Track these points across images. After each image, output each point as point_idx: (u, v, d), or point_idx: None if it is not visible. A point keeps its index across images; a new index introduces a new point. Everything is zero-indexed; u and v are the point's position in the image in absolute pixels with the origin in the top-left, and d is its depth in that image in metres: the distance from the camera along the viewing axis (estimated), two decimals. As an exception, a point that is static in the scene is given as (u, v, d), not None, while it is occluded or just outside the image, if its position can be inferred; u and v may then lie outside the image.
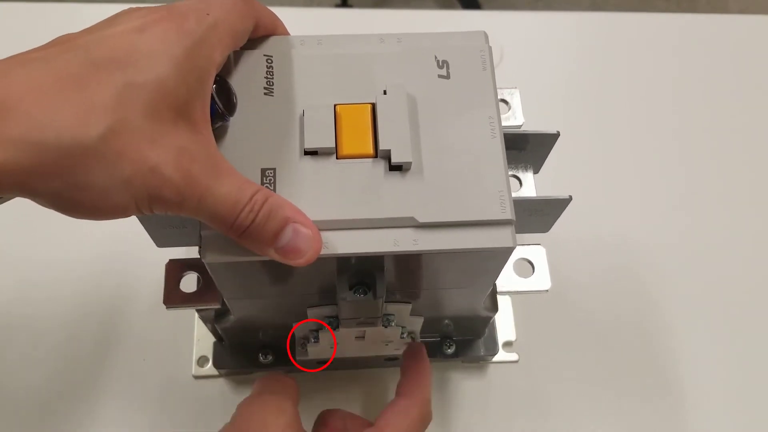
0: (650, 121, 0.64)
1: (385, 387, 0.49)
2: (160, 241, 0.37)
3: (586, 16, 0.80)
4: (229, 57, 0.32)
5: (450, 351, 0.48)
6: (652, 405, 0.50)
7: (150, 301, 0.51)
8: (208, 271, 0.32)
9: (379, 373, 0.49)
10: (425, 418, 0.39)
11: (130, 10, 0.28)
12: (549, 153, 0.40)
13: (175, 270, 0.37)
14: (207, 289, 0.37)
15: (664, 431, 0.49)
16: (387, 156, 0.32)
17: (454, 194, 0.31)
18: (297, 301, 0.37)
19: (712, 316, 0.53)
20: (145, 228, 0.36)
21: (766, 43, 0.71)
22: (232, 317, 0.40)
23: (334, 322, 0.38)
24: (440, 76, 0.34)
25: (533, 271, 0.39)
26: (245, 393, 0.40)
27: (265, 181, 0.31)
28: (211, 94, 0.30)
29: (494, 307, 0.43)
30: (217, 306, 0.37)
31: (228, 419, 0.38)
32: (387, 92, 0.33)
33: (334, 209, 0.31)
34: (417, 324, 0.41)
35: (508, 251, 0.32)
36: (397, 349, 0.44)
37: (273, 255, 0.29)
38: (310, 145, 0.32)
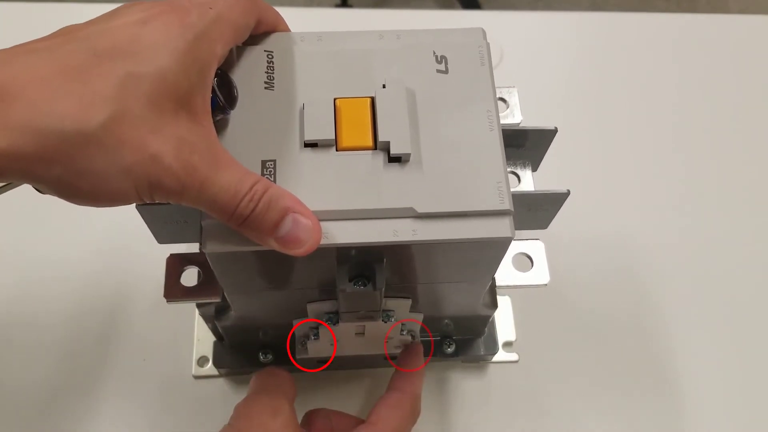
0: (650, 120, 0.64)
1: (385, 387, 0.49)
2: (161, 237, 0.38)
3: (586, 16, 0.80)
4: (231, 51, 0.33)
5: (450, 350, 0.48)
6: (652, 405, 0.50)
7: (150, 300, 0.51)
8: (209, 261, 0.33)
9: (379, 373, 0.49)
10: (415, 413, 0.40)
11: (133, 3, 0.28)
12: (547, 150, 0.40)
13: (176, 264, 0.38)
14: (207, 283, 0.37)
15: (664, 430, 0.49)
16: (386, 148, 0.32)
17: (453, 185, 0.32)
18: (297, 296, 0.37)
19: (711, 314, 0.54)
20: (146, 223, 0.36)
21: (766, 43, 0.71)
22: (232, 313, 0.40)
23: (334, 318, 0.38)
24: (438, 71, 0.34)
25: (532, 266, 0.39)
26: (245, 393, 0.40)
27: (265, 172, 0.31)
28: (213, 87, 0.30)
29: (493, 304, 0.43)
30: (218, 300, 0.37)
31: (227, 419, 0.38)
32: (386, 86, 0.33)
33: (334, 200, 0.31)
34: (417, 321, 0.41)
35: (506, 242, 0.32)
36: (397, 347, 0.44)
37: (273, 245, 0.29)
38: (310, 137, 0.32)
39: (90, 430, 0.47)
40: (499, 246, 0.33)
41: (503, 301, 0.50)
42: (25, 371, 0.49)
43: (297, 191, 0.31)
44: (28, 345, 0.50)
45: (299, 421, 0.40)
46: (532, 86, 0.66)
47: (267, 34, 0.35)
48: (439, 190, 0.31)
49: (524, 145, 0.39)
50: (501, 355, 0.50)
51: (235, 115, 0.32)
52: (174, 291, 0.37)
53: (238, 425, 0.37)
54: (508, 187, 0.32)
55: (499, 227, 0.31)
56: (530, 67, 0.68)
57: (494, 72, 0.35)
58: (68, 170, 0.25)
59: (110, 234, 0.54)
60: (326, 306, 0.38)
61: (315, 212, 0.30)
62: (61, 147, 0.24)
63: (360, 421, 0.40)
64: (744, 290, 0.54)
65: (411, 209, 0.31)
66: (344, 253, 0.32)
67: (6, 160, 0.24)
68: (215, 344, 0.47)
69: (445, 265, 0.35)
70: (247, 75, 0.33)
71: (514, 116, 0.40)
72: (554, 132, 0.38)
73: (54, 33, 0.27)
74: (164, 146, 0.26)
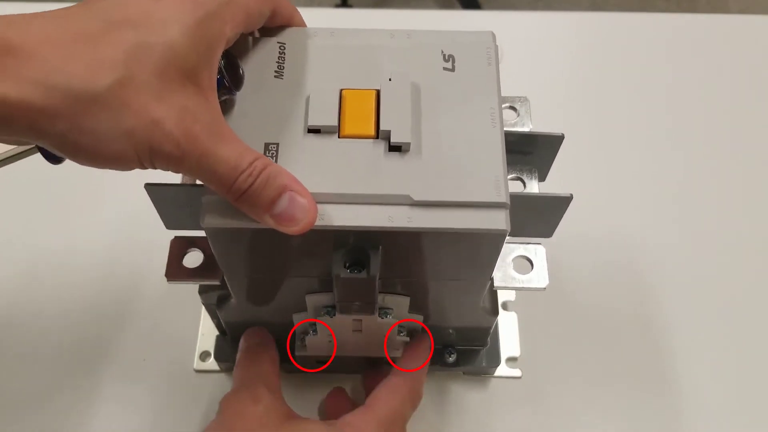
0: (650, 120, 0.64)
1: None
2: (170, 222, 0.38)
3: (585, 16, 0.80)
4: (246, 40, 0.35)
5: (451, 359, 0.47)
6: (662, 422, 0.48)
7: (154, 295, 0.51)
8: (207, 238, 0.33)
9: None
10: (415, 395, 0.41)
11: None
12: (555, 157, 0.40)
13: (180, 246, 0.38)
14: (209, 265, 0.38)
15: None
16: (387, 137, 0.33)
17: (451, 176, 0.32)
18: (295, 286, 0.38)
19: (723, 320, 0.53)
20: (154, 204, 0.36)
21: (766, 43, 0.71)
22: (233, 302, 0.40)
23: (332, 312, 0.38)
24: (445, 69, 0.35)
25: (532, 269, 0.39)
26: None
27: (267, 154, 0.32)
28: (219, 67, 0.31)
29: (494, 311, 0.43)
30: (217, 282, 0.38)
31: None
32: (392, 79, 0.34)
33: (333, 183, 0.32)
34: (417, 321, 0.41)
35: (500, 235, 0.32)
36: (397, 350, 0.44)
37: (268, 221, 0.30)
38: (313, 122, 0.33)
39: (93, 422, 0.47)
40: (494, 240, 0.33)
41: (509, 317, 0.50)
42: (27, 365, 0.49)
43: (297, 174, 0.31)
44: (30, 338, 0.50)
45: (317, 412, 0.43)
46: (532, 86, 0.66)
47: (282, 27, 0.36)
48: (436, 179, 0.32)
49: (531, 152, 0.38)
50: (504, 370, 0.48)
51: (241, 100, 0.34)
52: (175, 271, 0.38)
53: (221, 418, 0.38)
54: (506, 182, 0.32)
55: (494, 220, 0.31)
56: (530, 67, 0.68)
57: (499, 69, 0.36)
58: (72, 127, 0.26)
59: (116, 225, 0.54)
60: (325, 299, 0.38)
61: (313, 194, 0.31)
62: (67, 103, 0.26)
63: None
64: (747, 290, 0.54)
65: (407, 197, 0.31)
66: (340, 238, 0.33)
67: (16, 110, 0.25)
68: (218, 338, 0.48)
69: (440, 258, 0.35)
70: (258, 63, 0.35)
71: (524, 125, 0.40)
72: (561, 138, 0.38)
73: (74, 5, 0.28)
74: (167, 113, 0.27)
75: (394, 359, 0.45)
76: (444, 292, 0.39)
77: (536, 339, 0.50)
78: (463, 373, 0.48)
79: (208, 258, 0.38)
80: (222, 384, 0.48)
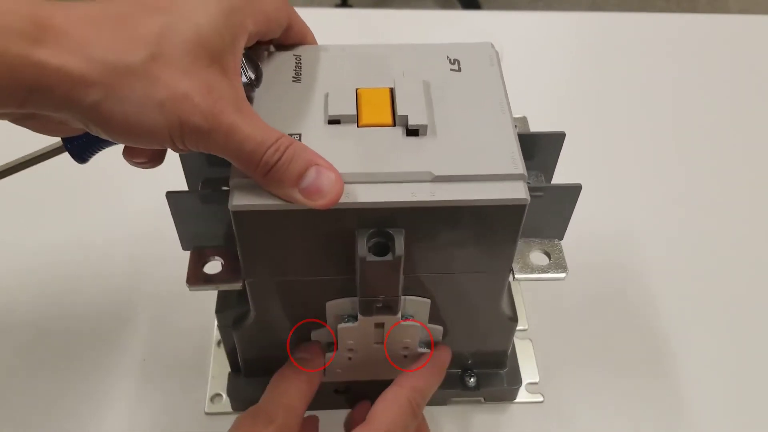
0: (650, 120, 0.65)
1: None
2: (187, 239, 0.38)
3: (585, 16, 0.80)
4: (263, 53, 0.38)
5: (471, 382, 0.46)
6: None
7: (162, 334, 0.50)
8: (233, 224, 0.33)
9: None
10: (415, 408, 0.39)
11: None
12: (558, 157, 0.40)
13: (200, 254, 0.38)
14: (230, 270, 0.38)
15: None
16: (404, 123, 0.34)
17: (468, 153, 0.34)
18: (317, 289, 0.37)
19: (727, 321, 0.51)
20: (174, 220, 0.36)
21: (766, 43, 0.71)
22: (251, 318, 0.40)
23: (353, 320, 0.38)
24: (452, 70, 0.38)
25: (549, 260, 0.40)
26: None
27: None
28: (241, 62, 0.33)
29: (514, 317, 0.42)
30: (239, 286, 0.37)
31: None
32: (404, 75, 0.37)
33: (355, 164, 0.33)
34: (436, 333, 0.41)
35: (521, 205, 0.33)
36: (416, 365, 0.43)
37: (297, 197, 0.31)
38: (333, 112, 0.35)
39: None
40: (515, 212, 0.33)
41: (524, 345, 0.49)
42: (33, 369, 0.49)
43: None
44: (30, 339, 0.50)
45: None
46: (532, 86, 0.67)
47: (296, 45, 0.38)
48: (455, 156, 0.34)
49: (534, 155, 0.39)
50: (524, 396, 0.48)
51: (262, 98, 0.35)
52: (196, 278, 0.37)
53: None
54: (521, 156, 0.34)
55: (514, 190, 0.33)
56: (530, 67, 0.68)
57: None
58: (107, 95, 0.28)
59: (131, 247, 0.53)
60: (346, 305, 0.38)
61: None
62: (104, 73, 0.27)
63: None
64: (749, 289, 0.54)
65: (429, 173, 0.33)
66: (365, 219, 0.33)
67: (55, 78, 0.27)
68: (230, 377, 0.47)
69: (462, 240, 0.35)
70: (276, 71, 0.37)
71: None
72: (563, 136, 0.39)
73: None
74: (195, 87, 0.29)
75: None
76: (464, 290, 0.39)
77: (554, 363, 0.49)
78: (484, 400, 0.47)
79: (229, 264, 0.38)
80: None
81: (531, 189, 0.34)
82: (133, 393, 0.47)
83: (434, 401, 0.46)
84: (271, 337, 0.41)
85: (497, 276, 0.38)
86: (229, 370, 0.46)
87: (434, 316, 0.40)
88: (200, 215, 0.37)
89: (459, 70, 0.38)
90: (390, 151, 0.34)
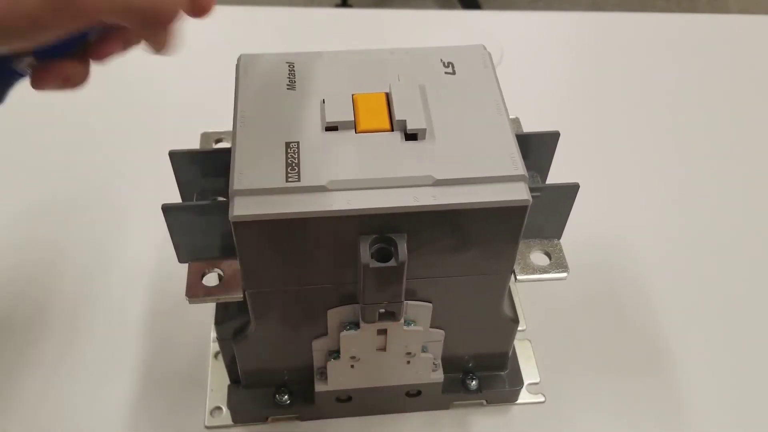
0: (650, 120, 0.64)
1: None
2: (183, 252, 0.38)
3: (585, 16, 0.80)
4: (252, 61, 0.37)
5: (473, 385, 0.46)
6: None
7: (161, 352, 0.49)
8: (234, 237, 0.33)
9: (398, 421, 0.46)
10: None
11: None
12: (553, 156, 0.40)
13: (198, 267, 0.38)
14: (230, 282, 0.37)
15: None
16: (403, 127, 0.34)
17: (468, 156, 0.34)
18: (318, 298, 0.37)
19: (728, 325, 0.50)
20: (171, 234, 0.36)
21: (766, 43, 0.71)
22: (251, 327, 0.40)
23: (354, 328, 0.38)
24: (446, 73, 0.38)
25: (550, 260, 0.40)
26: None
27: (289, 152, 0.33)
28: None
29: (515, 318, 0.42)
30: (239, 297, 0.37)
31: None
32: (400, 79, 0.37)
33: (356, 170, 0.33)
34: (438, 337, 0.41)
35: (523, 206, 0.33)
36: (419, 373, 0.43)
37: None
38: (330, 119, 0.35)
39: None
40: (517, 213, 0.33)
41: (524, 345, 0.49)
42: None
43: (320, 165, 0.33)
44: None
45: None
46: (532, 86, 0.67)
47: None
48: (455, 160, 0.34)
49: (527, 155, 0.39)
50: (526, 397, 0.48)
51: (257, 108, 0.36)
52: (197, 290, 0.37)
53: None
54: (520, 157, 0.34)
55: (516, 191, 0.33)
56: (530, 67, 0.68)
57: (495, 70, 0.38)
58: None
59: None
60: (347, 312, 0.38)
61: (338, 182, 0.32)
62: None
63: None
64: (750, 288, 0.54)
65: (430, 177, 0.33)
66: (367, 225, 0.33)
67: None
68: (230, 389, 0.46)
69: (463, 242, 0.35)
70: (269, 79, 0.37)
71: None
72: (557, 135, 0.39)
73: None
74: None
75: (414, 390, 0.44)
76: (466, 293, 0.39)
77: (553, 363, 0.49)
78: (486, 402, 0.47)
79: (229, 276, 0.38)
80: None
81: (530, 189, 0.34)
82: (131, 409, 0.46)
83: (436, 405, 0.46)
84: (272, 347, 0.41)
85: (499, 278, 0.38)
86: (227, 382, 0.46)
87: (436, 320, 0.40)
88: (197, 227, 0.36)
89: (453, 72, 0.38)
90: (390, 156, 0.34)
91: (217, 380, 0.47)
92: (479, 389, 0.46)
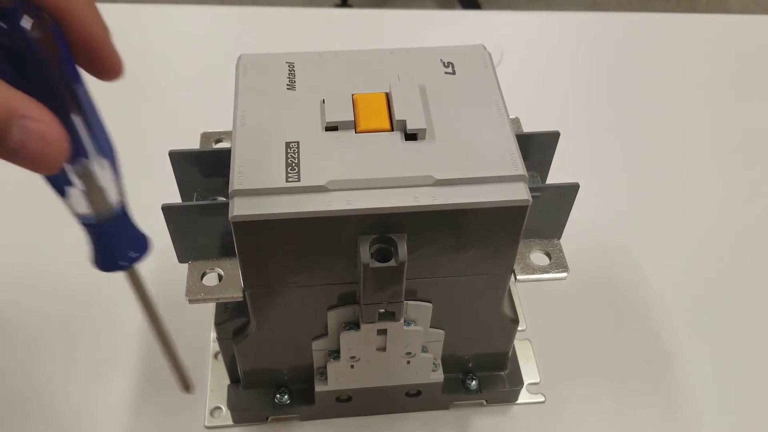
0: (650, 120, 0.64)
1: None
2: (184, 251, 0.38)
3: (586, 16, 0.80)
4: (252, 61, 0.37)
5: (473, 385, 0.46)
6: None
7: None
8: (234, 237, 0.33)
9: (398, 421, 0.46)
10: None
11: None
12: (553, 156, 0.40)
13: (198, 268, 0.38)
14: (230, 281, 0.37)
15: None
16: (403, 127, 0.35)
17: (468, 156, 0.34)
18: (318, 297, 0.37)
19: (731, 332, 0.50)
20: (171, 233, 0.36)
21: (766, 43, 0.71)
22: (251, 327, 0.40)
23: (354, 328, 0.38)
24: (446, 73, 0.38)
25: (550, 260, 0.40)
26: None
27: (289, 152, 0.34)
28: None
29: (515, 318, 0.42)
30: (239, 297, 0.37)
31: None
32: (400, 79, 0.37)
33: (355, 171, 0.33)
34: (438, 337, 0.41)
35: (523, 206, 0.33)
36: (419, 373, 0.43)
37: (10, 160, 0.23)
38: (330, 119, 0.35)
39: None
40: (517, 213, 0.34)
41: (523, 345, 0.49)
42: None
43: (319, 165, 0.33)
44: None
45: None
46: (532, 86, 0.67)
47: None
48: (455, 160, 0.34)
49: (527, 155, 0.39)
50: (526, 397, 0.47)
51: (257, 108, 0.36)
52: (196, 291, 0.37)
53: None
54: (521, 157, 0.34)
55: (516, 191, 0.33)
56: (530, 67, 0.68)
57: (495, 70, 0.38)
58: None
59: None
60: (347, 312, 0.38)
61: (337, 182, 0.32)
62: None
63: None
64: (750, 287, 0.53)
65: (429, 177, 0.33)
66: (366, 225, 0.33)
67: None
68: (229, 389, 0.46)
69: (463, 243, 0.35)
70: (268, 79, 0.37)
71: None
72: (557, 135, 0.39)
73: None
74: None
75: (414, 391, 0.44)
76: (466, 293, 0.39)
77: (553, 363, 0.48)
78: (486, 402, 0.47)
79: (229, 276, 0.38)
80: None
81: (530, 189, 0.34)
82: (131, 409, 0.46)
83: (436, 405, 0.46)
84: (272, 347, 0.41)
85: (499, 278, 0.38)
86: (227, 382, 0.46)
87: (436, 320, 0.40)
88: (197, 227, 0.36)
89: (453, 72, 0.38)
90: (390, 156, 0.34)
91: (217, 380, 0.47)
92: (479, 389, 0.46)
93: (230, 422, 0.46)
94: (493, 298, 0.40)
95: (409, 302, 0.38)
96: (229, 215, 0.32)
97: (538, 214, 0.36)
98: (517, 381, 0.47)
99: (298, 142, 0.34)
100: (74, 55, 0.24)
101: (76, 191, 0.25)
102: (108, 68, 0.25)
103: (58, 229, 0.55)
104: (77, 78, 0.24)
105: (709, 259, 0.55)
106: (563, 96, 0.66)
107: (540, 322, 0.50)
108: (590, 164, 0.60)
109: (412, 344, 0.40)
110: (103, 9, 0.26)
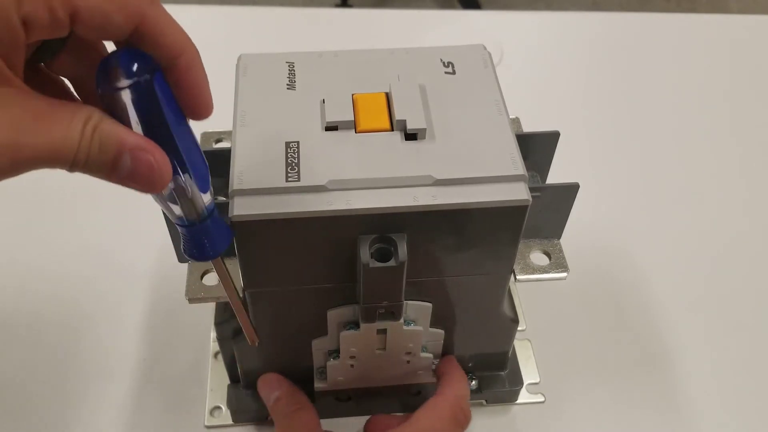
0: (650, 120, 0.64)
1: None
2: (183, 254, 0.38)
3: (586, 16, 0.80)
4: (250, 61, 0.37)
5: (473, 385, 0.46)
6: None
7: (160, 348, 0.49)
8: (234, 237, 0.33)
9: None
10: (457, 415, 0.40)
11: None
12: (553, 156, 0.40)
13: (198, 268, 0.38)
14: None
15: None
16: (403, 127, 0.35)
17: (468, 156, 0.34)
18: (317, 299, 0.37)
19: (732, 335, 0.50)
20: (171, 234, 0.36)
21: (766, 43, 0.71)
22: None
23: (354, 328, 0.38)
24: (446, 73, 0.38)
25: (550, 260, 0.40)
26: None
27: (289, 152, 0.34)
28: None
29: (515, 318, 0.42)
30: (239, 297, 0.37)
31: None
32: (400, 79, 0.37)
33: (356, 170, 0.33)
34: (438, 337, 0.41)
35: (523, 206, 0.33)
36: (419, 373, 0.43)
37: (124, 184, 0.27)
38: (330, 119, 0.35)
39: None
40: (517, 213, 0.33)
41: (523, 345, 0.49)
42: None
43: (320, 165, 0.33)
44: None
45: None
46: (532, 86, 0.67)
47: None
48: (455, 160, 0.34)
49: (527, 155, 0.39)
50: (526, 397, 0.48)
51: (258, 108, 0.36)
52: (196, 290, 0.37)
53: None
54: (520, 157, 0.34)
55: (516, 191, 0.33)
56: (530, 67, 0.68)
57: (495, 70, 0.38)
58: None
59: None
60: (347, 312, 0.38)
61: (337, 182, 0.32)
62: None
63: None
64: (750, 286, 0.53)
65: (429, 177, 0.33)
66: (366, 225, 0.33)
67: None
68: (229, 388, 0.46)
69: (463, 242, 0.35)
70: (269, 79, 0.37)
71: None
72: (557, 135, 0.39)
73: None
74: None
75: (419, 384, 0.44)
76: (466, 293, 0.39)
77: (553, 363, 0.48)
78: (486, 402, 0.47)
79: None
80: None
81: (530, 189, 0.34)
82: (131, 409, 0.46)
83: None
84: (272, 347, 0.41)
85: (499, 278, 0.38)
86: (227, 382, 0.46)
87: (436, 320, 0.40)
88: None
89: (453, 72, 0.38)
90: (390, 155, 0.34)
91: (217, 380, 0.47)
92: (479, 389, 0.46)
93: (230, 422, 0.46)
94: (492, 298, 0.40)
95: (409, 302, 0.38)
96: (229, 215, 0.32)
97: (538, 214, 0.36)
98: (517, 381, 0.47)
99: (298, 142, 0.34)
100: (177, 97, 0.28)
101: (173, 201, 0.29)
102: (202, 111, 0.29)
103: (58, 229, 0.55)
104: (179, 116, 0.28)
105: (709, 259, 0.55)
106: (563, 96, 0.66)
107: (540, 322, 0.50)
108: (590, 164, 0.60)
109: (412, 344, 0.40)
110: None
